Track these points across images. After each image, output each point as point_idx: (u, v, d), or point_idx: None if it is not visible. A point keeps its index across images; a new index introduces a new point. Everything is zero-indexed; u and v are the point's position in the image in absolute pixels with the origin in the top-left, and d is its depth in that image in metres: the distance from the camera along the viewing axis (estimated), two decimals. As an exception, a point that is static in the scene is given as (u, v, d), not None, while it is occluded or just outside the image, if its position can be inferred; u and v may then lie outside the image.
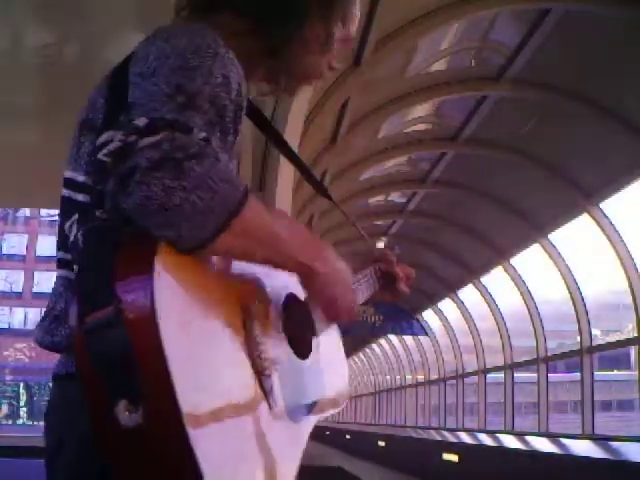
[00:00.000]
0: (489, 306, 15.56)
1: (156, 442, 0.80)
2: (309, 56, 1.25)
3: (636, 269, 10.16)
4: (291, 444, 1.04)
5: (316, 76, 1.30)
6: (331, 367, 1.23)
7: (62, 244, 1.12)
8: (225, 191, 0.91)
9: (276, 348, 1.05)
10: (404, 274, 1.54)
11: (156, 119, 0.94)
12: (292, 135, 5.34)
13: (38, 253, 43.94)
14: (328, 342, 1.25)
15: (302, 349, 1.14)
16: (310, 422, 1.12)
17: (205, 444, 0.81)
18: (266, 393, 0.98)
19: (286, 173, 5.45)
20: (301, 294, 1.17)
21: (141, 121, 0.92)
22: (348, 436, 25.80)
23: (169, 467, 0.81)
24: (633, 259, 10.18)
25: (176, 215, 0.88)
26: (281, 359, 1.05)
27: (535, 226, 11.98)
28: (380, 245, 1.64)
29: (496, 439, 12.94)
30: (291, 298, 1.15)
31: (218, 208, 0.91)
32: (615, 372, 25.06)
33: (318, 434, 34.77)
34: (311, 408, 1.11)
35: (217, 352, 0.91)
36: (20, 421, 39.73)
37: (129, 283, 0.84)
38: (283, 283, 1.14)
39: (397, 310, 20.13)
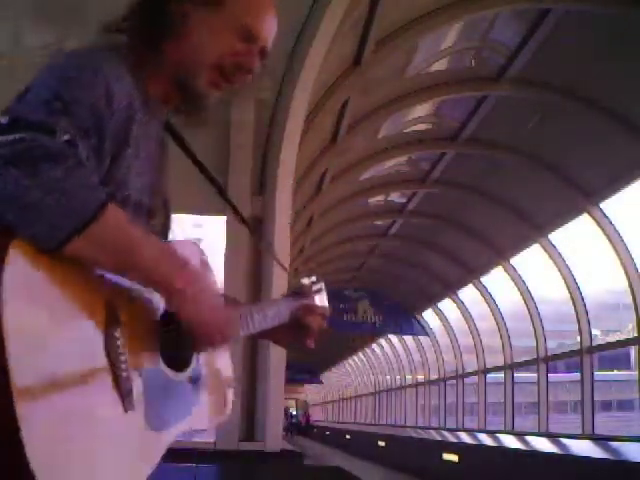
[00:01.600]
0: (489, 306, 15.57)
1: None
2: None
3: (636, 269, 10.16)
4: (143, 450, 1.05)
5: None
6: (213, 384, 1.24)
7: None
8: (82, 197, 0.94)
9: (143, 356, 1.07)
10: (317, 322, 1.43)
11: (19, 118, 0.97)
12: (292, 135, 5.34)
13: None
14: (216, 360, 1.26)
15: (178, 363, 1.14)
16: (172, 434, 1.11)
17: (35, 422, 0.86)
18: (122, 395, 0.99)
19: (286, 176, 5.45)
20: None
21: (4, 119, 0.96)
22: (348, 436, 25.78)
23: None
24: (633, 259, 10.19)
25: (30, 214, 0.91)
26: (146, 367, 1.06)
27: (535, 226, 11.98)
28: (305, 281, 1.47)
29: (496, 439, 12.93)
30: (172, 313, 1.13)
31: (73, 213, 0.93)
32: (615, 372, 25.05)
33: (318, 434, 34.71)
34: (175, 421, 1.12)
35: (61, 341, 0.93)
36: (20, 421, 39.71)
37: None
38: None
39: (397, 310, 20.16)
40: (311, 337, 1.43)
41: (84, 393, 0.94)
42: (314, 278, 1.51)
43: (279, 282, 5.29)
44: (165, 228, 1.31)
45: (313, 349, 1.45)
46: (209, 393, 1.22)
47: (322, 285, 1.51)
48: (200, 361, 1.20)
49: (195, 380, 1.18)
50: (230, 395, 1.31)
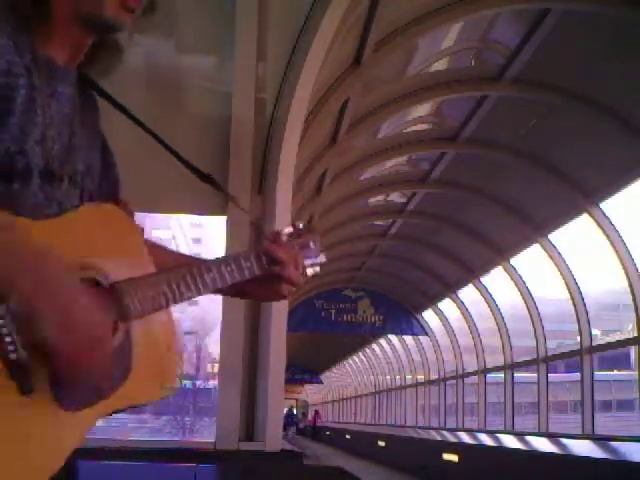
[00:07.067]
0: (489, 306, 15.57)
1: None
2: None
3: (636, 269, 10.15)
4: (63, 427, 0.96)
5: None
6: (148, 347, 1.08)
7: None
8: None
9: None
10: (292, 259, 1.26)
11: None
12: (292, 135, 5.34)
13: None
14: (150, 322, 1.10)
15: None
16: (99, 409, 1.00)
17: None
18: (15, 379, 0.89)
19: (286, 174, 5.45)
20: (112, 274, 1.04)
21: None
22: (348, 436, 25.79)
23: None
24: (633, 259, 10.19)
25: None
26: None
27: (535, 226, 11.98)
28: (288, 230, 1.28)
29: (496, 439, 12.93)
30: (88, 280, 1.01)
31: None
32: (615, 372, 25.06)
33: (318, 434, 34.71)
34: (97, 395, 0.98)
35: None
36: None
37: None
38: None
39: (397, 310, 20.15)
40: (281, 287, 1.27)
41: None
42: (301, 226, 1.31)
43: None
44: (109, 193, 1.25)
45: (286, 295, 1.26)
46: (143, 358, 1.06)
47: (310, 238, 1.31)
48: (129, 326, 1.05)
49: (119, 346, 1.02)
50: (173, 359, 1.14)
